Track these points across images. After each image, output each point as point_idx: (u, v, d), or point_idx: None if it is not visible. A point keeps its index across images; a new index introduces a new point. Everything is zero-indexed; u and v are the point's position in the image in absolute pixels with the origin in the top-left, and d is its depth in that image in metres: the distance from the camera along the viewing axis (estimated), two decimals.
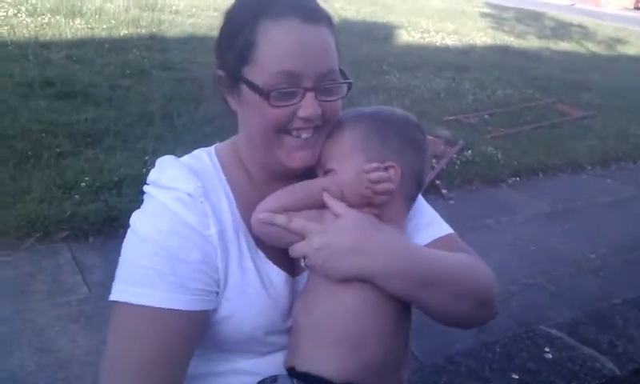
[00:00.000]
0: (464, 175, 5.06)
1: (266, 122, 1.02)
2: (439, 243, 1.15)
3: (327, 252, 1.00)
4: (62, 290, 3.03)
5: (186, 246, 1.00)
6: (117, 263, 1.03)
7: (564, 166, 5.71)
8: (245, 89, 1.03)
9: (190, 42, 7.96)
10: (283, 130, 1.03)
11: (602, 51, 12.85)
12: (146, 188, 1.07)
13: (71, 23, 8.08)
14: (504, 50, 11.20)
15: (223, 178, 1.09)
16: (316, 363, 1.01)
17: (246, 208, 1.08)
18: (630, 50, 13.22)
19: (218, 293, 1.03)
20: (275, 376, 1.05)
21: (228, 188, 1.08)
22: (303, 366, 1.02)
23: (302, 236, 1.02)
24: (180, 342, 0.99)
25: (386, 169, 1.06)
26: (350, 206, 1.04)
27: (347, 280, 1.01)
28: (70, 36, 7.53)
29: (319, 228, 1.02)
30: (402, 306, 1.06)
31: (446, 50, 10.48)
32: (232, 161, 1.12)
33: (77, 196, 3.76)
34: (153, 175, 1.07)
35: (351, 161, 1.07)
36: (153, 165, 1.08)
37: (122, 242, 1.05)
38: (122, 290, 0.99)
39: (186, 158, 1.12)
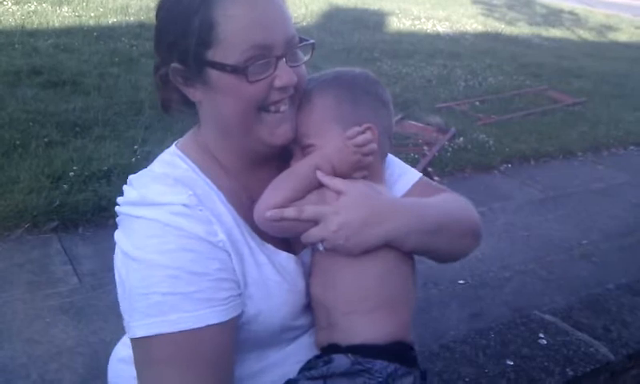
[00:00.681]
0: (456, 162, 5.05)
1: (245, 101, 0.99)
2: (416, 188, 1.20)
3: (347, 231, 1.00)
4: (51, 280, 2.99)
5: (200, 259, 0.95)
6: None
7: (556, 152, 5.72)
8: (213, 74, 0.98)
9: None
10: (262, 106, 1.01)
11: (593, 38, 12.86)
12: (123, 209, 1.00)
13: (58, 11, 7.97)
14: (495, 37, 11.18)
15: (205, 178, 1.05)
16: (358, 335, 1.03)
17: (237, 203, 1.05)
18: (621, 37, 13.24)
19: (241, 294, 1.01)
20: (329, 357, 1.03)
21: (215, 188, 1.04)
22: (346, 340, 1.03)
23: (315, 222, 1.01)
24: (223, 355, 0.97)
25: (365, 131, 1.07)
26: (342, 175, 1.06)
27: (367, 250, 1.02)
28: (57, 24, 7.43)
29: (331, 210, 1.01)
30: (412, 260, 1.11)
31: (437, 37, 10.44)
32: (204, 157, 1.07)
33: (66, 186, 3.71)
34: (131, 195, 1.00)
35: (329, 131, 1.07)
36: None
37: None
38: (149, 324, 0.93)
39: (159, 167, 1.05)
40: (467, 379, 1.88)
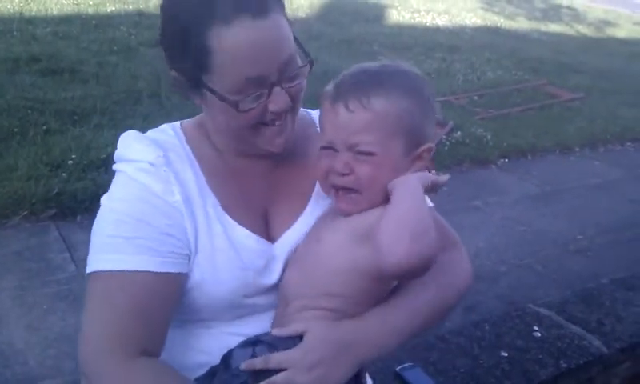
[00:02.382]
0: (454, 156, 5.06)
1: (237, 125, 1.03)
2: None
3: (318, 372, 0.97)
4: (50, 268, 3.00)
5: (151, 212, 1.01)
6: None
7: (553, 147, 5.74)
8: (208, 94, 1.02)
9: None
10: (258, 123, 1.04)
11: (592, 33, 12.85)
12: (114, 166, 1.09)
13: None
14: (494, 31, 11.17)
15: (187, 148, 1.10)
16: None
17: (214, 177, 1.09)
18: (619, 33, 13.24)
19: (189, 257, 1.04)
20: (256, 338, 1.04)
21: (193, 158, 1.10)
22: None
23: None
24: (154, 303, 1.00)
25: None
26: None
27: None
28: (55, 12, 7.40)
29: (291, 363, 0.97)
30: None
31: (437, 30, 10.42)
32: (198, 135, 1.13)
33: (64, 174, 3.71)
34: (118, 152, 1.09)
35: (395, 147, 1.03)
36: None
37: None
38: (92, 261, 1.01)
39: (150, 131, 1.13)
40: (462, 370, 1.90)
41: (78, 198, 3.50)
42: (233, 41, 0.96)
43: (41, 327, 2.59)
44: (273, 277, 1.10)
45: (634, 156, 5.97)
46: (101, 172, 3.77)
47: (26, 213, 3.36)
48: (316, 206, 1.15)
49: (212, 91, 1.00)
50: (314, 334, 1.00)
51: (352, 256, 1.02)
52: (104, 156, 3.91)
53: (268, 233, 1.13)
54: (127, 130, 1.12)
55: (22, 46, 5.88)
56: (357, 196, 1.04)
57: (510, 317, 2.19)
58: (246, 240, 1.08)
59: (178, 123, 1.16)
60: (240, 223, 1.08)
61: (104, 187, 3.59)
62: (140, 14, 7.87)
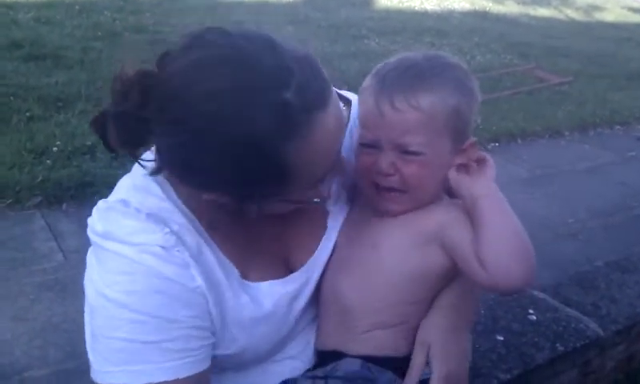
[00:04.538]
0: None
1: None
2: None
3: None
4: (36, 256, 2.94)
5: (172, 303, 0.84)
6: None
7: (542, 131, 5.72)
8: (264, 204, 0.89)
9: (163, 4, 7.73)
10: None
11: (581, 17, 12.86)
12: (92, 238, 0.89)
13: None
14: (483, 16, 11.13)
15: (185, 208, 0.90)
16: (373, 345, 1.01)
17: (225, 243, 0.93)
18: (608, 17, 13.25)
19: (213, 343, 0.91)
20: (340, 358, 1.00)
21: (198, 224, 0.91)
22: (356, 349, 1.01)
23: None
24: None
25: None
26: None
27: None
28: None
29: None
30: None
31: (425, 14, 10.37)
32: (189, 190, 0.90)
33: (48, 161, 3.64)
34: (99, 226, 0.88)
35: (443, 146, 1.00)
36: None
37: None
38: (109, 373, 0.83)
39: (131, 195, 0.89)
40: None
41: (63, 186, 3.44)
42: (311, 149, 0.81)
43: (27, 317, 2.53)
44: (305, 298, 1.04)
45: (624, 139, 5.97)
46: (86, 159, 3.72)
47: (10, 201, 3.30)
48: (336, 214, 1.09)
49: (278, 200, 0.87)
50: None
51: (421, 261, 0.99)
52: (89, 143, 3.85)
53: (290, 266, 1.04)
54: None
55: (3, 31, 5.78)
56: (401, 195, 1.00)
57: (506, 300, 2.16)
58: (268, 291, 0.98)
59: (154, 175, 0.88)
60: (263, 279, 0.97)
61: (90, 174, 3.50)
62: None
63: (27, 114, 4.17)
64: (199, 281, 0.87)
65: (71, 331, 2.43)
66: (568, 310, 2.12)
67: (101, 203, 0.91)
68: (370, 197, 1.03)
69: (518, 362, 1.86)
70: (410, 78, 0.98)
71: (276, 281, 0.99)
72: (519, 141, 5.49)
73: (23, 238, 3.07)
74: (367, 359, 0.99)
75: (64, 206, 3.36)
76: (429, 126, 0.97)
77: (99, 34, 6.21)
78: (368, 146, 1.00)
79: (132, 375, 0.81)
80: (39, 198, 3.36)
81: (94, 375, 0.85)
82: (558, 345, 1.94)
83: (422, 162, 0.97)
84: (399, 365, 1.00)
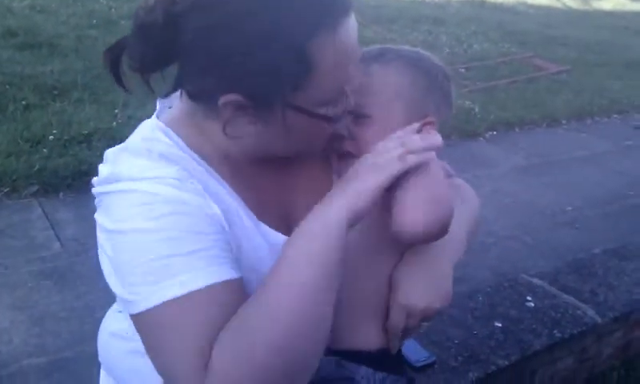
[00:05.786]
0: (441, 129, 4.90)
1: (320, 142, 0.95)
2: None
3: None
4: (33, 245, 2.93)
5: (195, 221, 0.82)
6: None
7: (540, 120, 5.73)
8: (292, 115, 0.85)
9: None
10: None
11: (578, 6, 12.84)
12: (100, 189, 0.87)
13: None
14: (480, 4, 11.10)
15: (194, 154, 0.90)
16: (348, 339, 0.98)
17: (237, 185, 0.93)
18: (606, 5, 13.24)
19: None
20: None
21: (204, 164, 0.90)
22: (333, 343, 0.97)
23: None
24: (230, 312, 0.81)
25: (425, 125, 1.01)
26: None
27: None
28: None
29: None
30: None
31: (422, 2, 10.33)
32: (196, 136, 0.91)
33: (45, 149, 3.62)
34: (110, 170, 0.86)
35: (394, 111, 1.01)
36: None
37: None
38: (156, 291, 0.79)
39: (139, 141, 0.89)
40: (456, 341, 1.88)
41: (59, 174, 3.43)
42: (336, 50, 0.82)
43: (25, 306, 2.53)
44: None
45: (621, 128, 5.98)
46: (83, 148, 3.70)
47: (7, 190, 3.29)
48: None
49: (300, 110, 0.84)
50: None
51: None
52: (86, 131, 3.84)
53: (289, 229, 1.00)
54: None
55: None
56: (355, 160, 0.99)
57: (503, 287, 2.17)
58: (282, 240, 0.95)
59: (161, 124, 0.91)
60: (272, 226, 0.96)
61: (86, 163, 3.48)
62: None
63: (23, 102, 4.15)
64: (216, 209, 0.86)
65: (70, 319, 2.43)
66: (565, 296, 2.13)
67: (108, 151, 0.90)
68: (334, 165, 1.05)
69: (515, 349, 1.87)
70: (374, 53, 1.03)
71: (285, 237, 0.96)
72: (517, 129, 5.49)
73: (20, 226, 3.07)
74: (338, 354, 0.97)
75: (61, 194, 3.35)
76: (377, 90, 1.00)
77: (94, 21, 6.17)
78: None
79: (181, 286, 0.79)
80: (36, 187, 3.35)
81: (135, 306, 0.81)
82: (555, 331, 1.95)
83: (371, 125, 1.00)
84: (370, 359, 0.98)
